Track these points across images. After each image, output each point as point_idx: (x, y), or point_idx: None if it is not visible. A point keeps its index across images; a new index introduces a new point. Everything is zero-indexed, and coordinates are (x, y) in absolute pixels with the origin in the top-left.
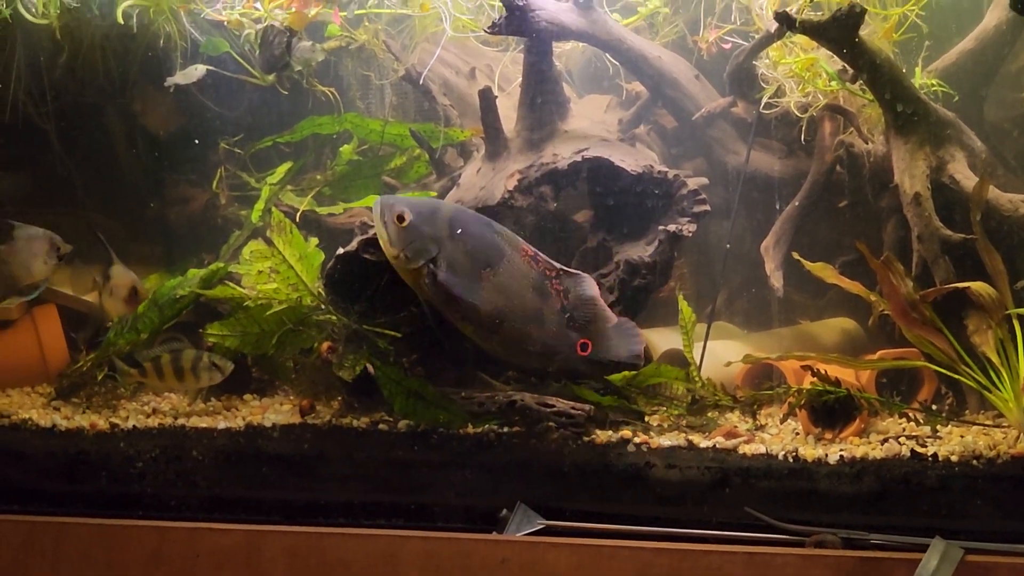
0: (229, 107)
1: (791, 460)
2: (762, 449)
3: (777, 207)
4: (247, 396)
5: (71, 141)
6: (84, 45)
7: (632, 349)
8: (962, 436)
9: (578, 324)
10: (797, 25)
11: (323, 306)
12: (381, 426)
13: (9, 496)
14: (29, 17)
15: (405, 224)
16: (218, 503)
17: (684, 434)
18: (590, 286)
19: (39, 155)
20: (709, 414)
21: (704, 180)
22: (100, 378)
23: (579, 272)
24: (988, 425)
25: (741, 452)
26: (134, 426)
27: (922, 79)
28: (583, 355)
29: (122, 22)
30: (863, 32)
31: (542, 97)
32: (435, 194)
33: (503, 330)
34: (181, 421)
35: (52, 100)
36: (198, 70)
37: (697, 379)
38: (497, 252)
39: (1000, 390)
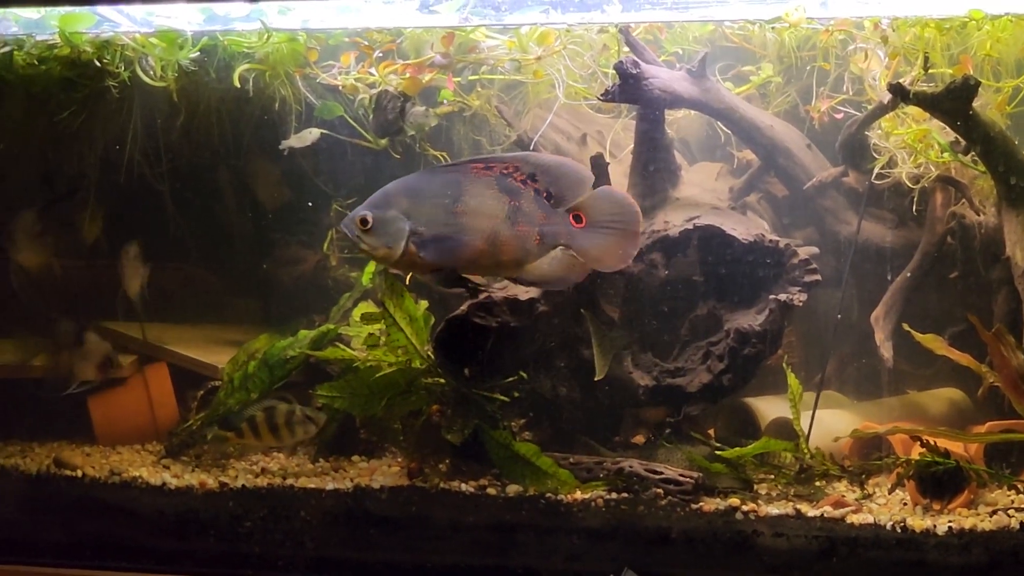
0: (342, 170)
1: (899, 530)
2: (870, 519)
3: (888, 277)
4: (355, 457)
5: (184, 201)
6: (200, 108)
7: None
8: None
9: (558, 196)
10: (911, 97)
11: (432, 369)
12: (489, 490)
13: (118, 553)
14: (147, 80)
15: (371, 224)
16: (325, 564)
17: (792, 503)
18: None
19: (153, 214)
20: (817, 483)
21: (815, 250)
22: (209, 437)
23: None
24: None
25: (849, 522)
26: (243, 485)
27: None
28: (579, 227)
29: (238, 86)
30: (976, 104)
31: (654, 165)
32: None
33: (506, 245)
34: (290, 481)
35: (168, 161)
36: (312, 134)
37: (805, 449)
38: (454, 185)
39: None
